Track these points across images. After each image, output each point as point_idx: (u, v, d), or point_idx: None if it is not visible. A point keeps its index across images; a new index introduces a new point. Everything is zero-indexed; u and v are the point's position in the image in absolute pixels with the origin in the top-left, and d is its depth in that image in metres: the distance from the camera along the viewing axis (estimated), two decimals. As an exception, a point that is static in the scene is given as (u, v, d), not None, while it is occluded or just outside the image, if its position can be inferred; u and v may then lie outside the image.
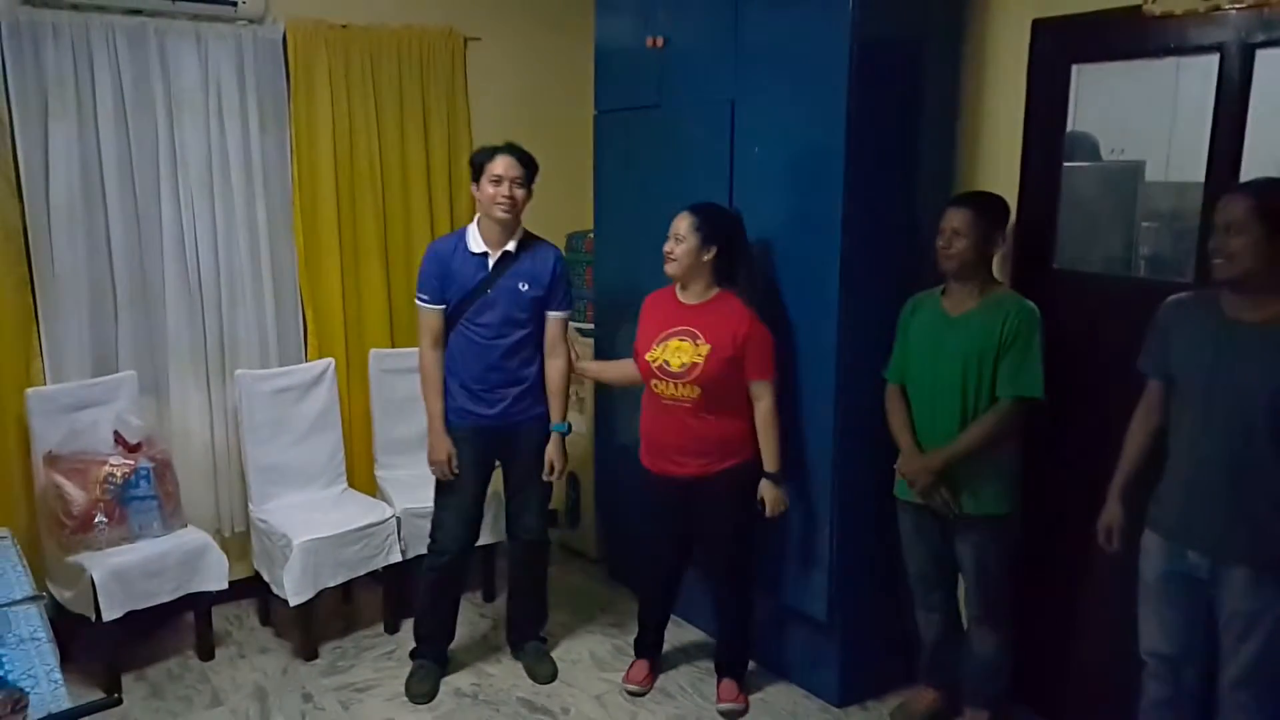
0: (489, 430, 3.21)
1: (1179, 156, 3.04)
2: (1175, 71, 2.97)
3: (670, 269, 3.01)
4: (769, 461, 2.99)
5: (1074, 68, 2.89)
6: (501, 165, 3.08)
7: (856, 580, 3.12)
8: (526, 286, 3.14)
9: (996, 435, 2.72)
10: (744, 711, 3.21)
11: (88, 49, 3.38)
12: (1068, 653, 2.99)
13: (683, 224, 2.98)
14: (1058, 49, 2.90)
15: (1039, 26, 2.91)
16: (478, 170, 3.12)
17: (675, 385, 2.98)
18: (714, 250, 2.97)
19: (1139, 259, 3.21)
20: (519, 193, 3.10)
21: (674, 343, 3.00)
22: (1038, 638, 2.99)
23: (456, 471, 3.19)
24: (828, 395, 3.00)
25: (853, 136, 2.84)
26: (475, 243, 3.16)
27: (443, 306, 3.18)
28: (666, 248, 3.00)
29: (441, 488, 3.27)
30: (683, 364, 2.96)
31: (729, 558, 3.17)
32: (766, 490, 3.00)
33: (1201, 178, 2.64)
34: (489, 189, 3.08)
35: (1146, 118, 3.17)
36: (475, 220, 3.21)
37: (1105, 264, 3.14)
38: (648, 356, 3.04)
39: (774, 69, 3.05)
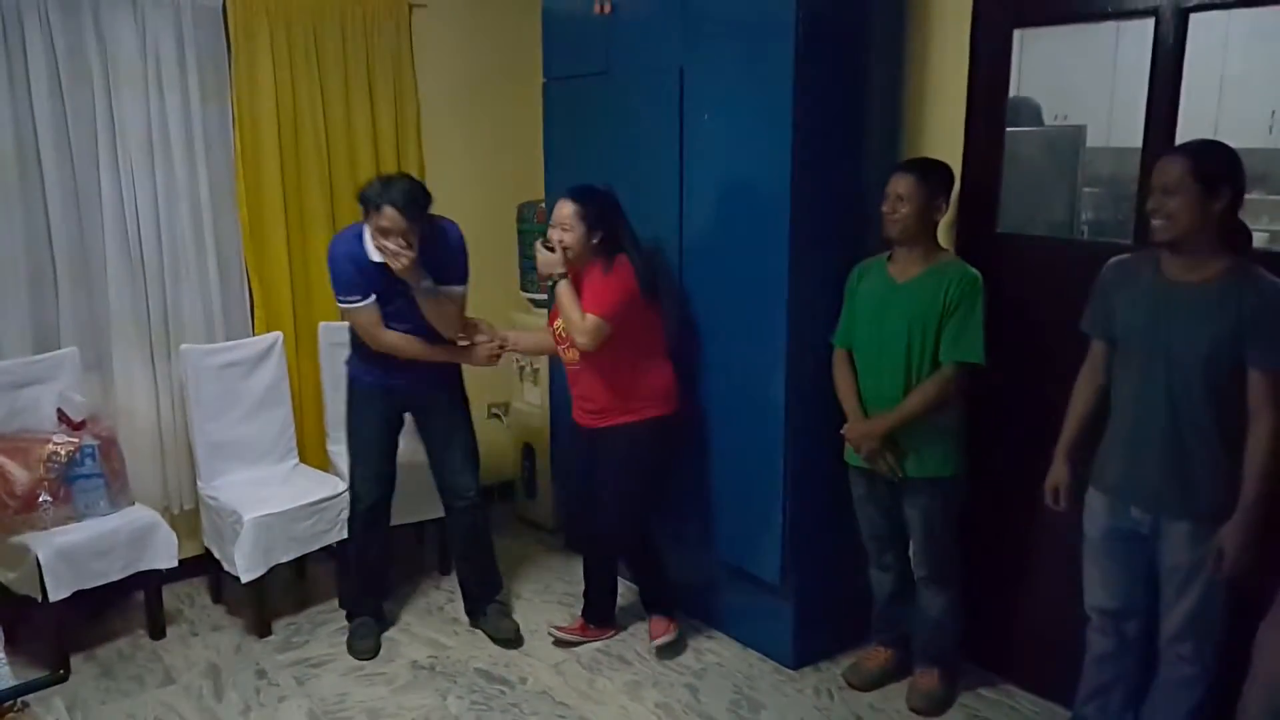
0: (396, 388, 3.27)
1: (1119, 121, 3.09)
2: (1115, 36, 3.01)
3: (560, 267, 3.05)
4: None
5: (1016, 32, 2.91)
6: (388, 219, 2.92)
7: (809, 543, 3.16)
8: (430, 282, 3.08)
9: (938, 400, 2.76)
10: (677, 638, 3.36)
11: (18, 19, 3.29)
12: (1016, 610, 3.07)
13: (565, 210, 3.05)
14: (1000, 13, 2.91)
15: (981, -10, 2.93)
16: (365, 206, 2.97)
17: (566, 350, 3.16)
18: (600, 235, 3.05)
19: (1081, 223, 3.27)
20: (405, 242, 2.95)
21: None
22: (986, 596, 3.06)
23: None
24: (778, 361, 3.02)
25: (800, 103, 2.84)
26: (375, 253, 3.03)
27: (373, 299, 3.10)
28: (554, 237, 3.05)
29: (353, 445, 3.34)
30: (560, 330, 3.15)
31: (607, 519, 3.27)
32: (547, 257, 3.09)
33: (1140, 142, 2.67)
34: (378, 237, 2.97)
35: (1088, 82, 3.21)
36: (368, 229, 3.04)
37: (1048, 228, 3.20)
38: (554, 326, 3.22)
39: (722, 35, 3.05)
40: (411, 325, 3.17)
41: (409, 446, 3.50)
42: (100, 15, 3.43)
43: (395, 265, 2.98)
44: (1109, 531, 2.48)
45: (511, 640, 3.44)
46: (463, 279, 3.22)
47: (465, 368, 3.39)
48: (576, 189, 3.09)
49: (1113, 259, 2.48)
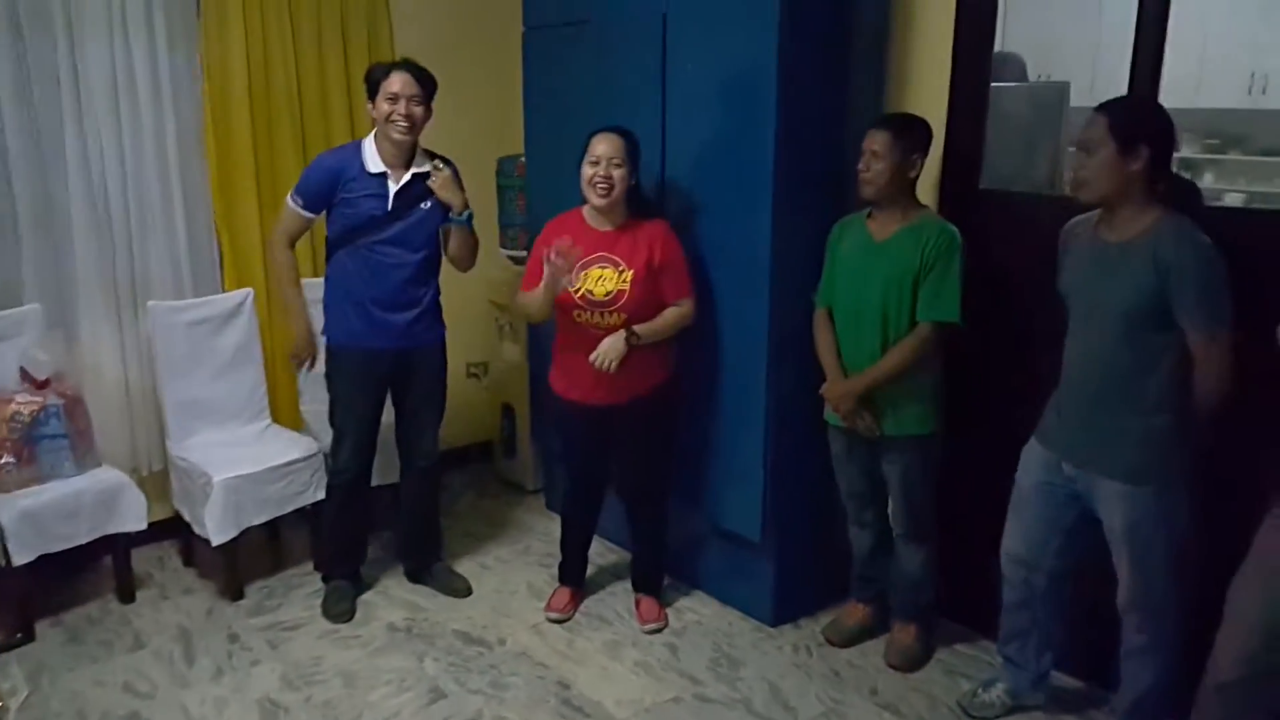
0: (383, 354, 3.19)
1: (1103, 78, 3.07)
2: (1102, -6, 2.98)
3: (605, 201, 2.92)
4: (643, 326, 2.95)
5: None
6: (398, 83, 2.99)
7: (789, 501, 3.15)
8: (429, 205, 3.12)
9: (915, 359, 2.74)
10: (665, 626, 3.29)
11: (-27, -42, 3.16)
12: (992, 567, 3.06)
13: (611, 146, 2.90)
14: (987, -35, 2.87)
15: (969, -58, 2.88)
16: (373, 88, 3.04)
17: (600, 314, 2.94)
18: (636, 175, 2.97)
19: (1064, 180, 3.25)
20: (416, 110, 3.03)
21: (595, 271, 2.95)
22: (963, 553, 3.05)
23: (311, 366, 3.27)
24: (760, 318, 2.98)
25: (785, 54, 2.79)
26: (373, 162, 3.09)
27: (312, 216, 3.16)
28: (600, 174, 2.90)
29: (336, 417, 3.28)
30: (608, 292, 2.92)
31: (647, 479, 3.22)
32: (614, 338, 2.92)
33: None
34: (385, 107, 3.01)
35: (1072, 39, 3.18)
36: (371, 137, 3.12)
37: (1031, 185, 3.17)
38: (575, 290, 2.97)
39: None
40: (396, 253, 3.12)
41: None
42: (64, -44, 3.30)
43: (399, 135, 3.01)
44: (1040, 484, 2.51)
45: (466, 591, 3.49)
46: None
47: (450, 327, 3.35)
48: (617, 126, 2.96)
49: (1071, 220, 2.48)
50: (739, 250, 3.01)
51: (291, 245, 3.23)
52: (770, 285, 2.95)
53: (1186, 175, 2.33)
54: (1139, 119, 2.22)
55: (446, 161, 3.19)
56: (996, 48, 2.95)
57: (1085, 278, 2.36)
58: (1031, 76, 3.31)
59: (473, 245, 3.26)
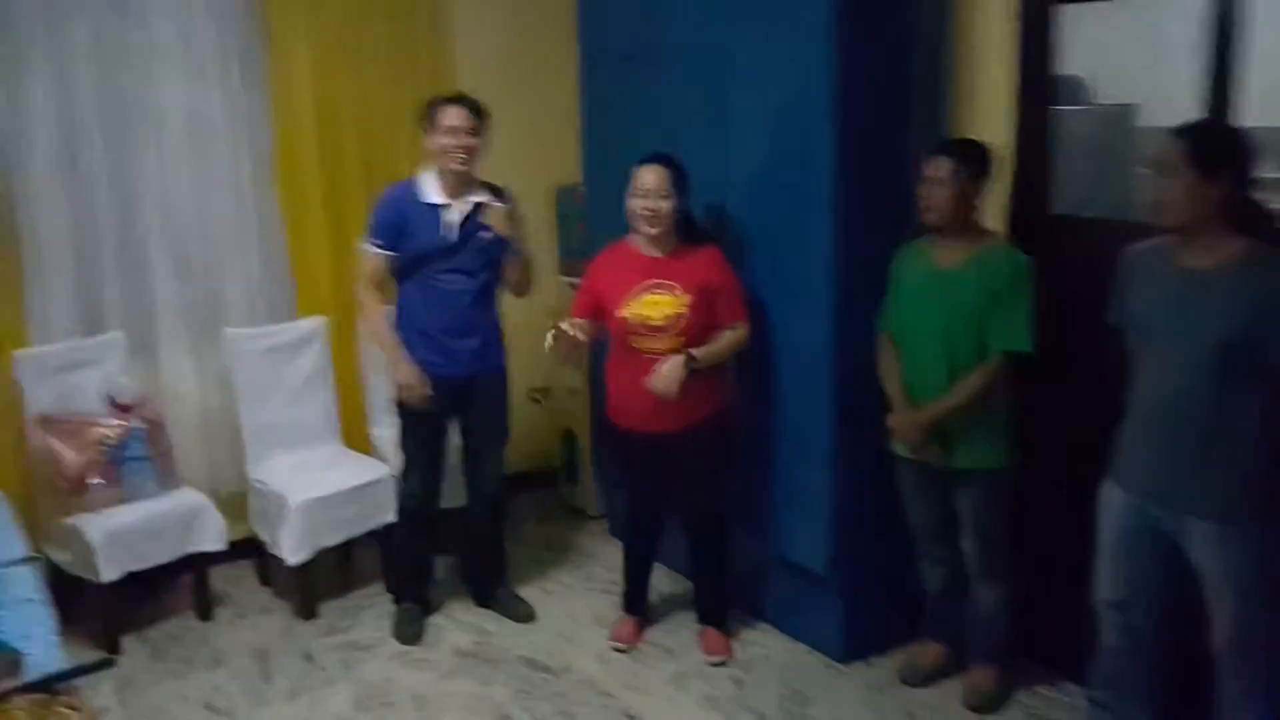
0: (447, 382, 3.25)
1: (1170, 99, 3.00)
2: (1166, 11, 2.92)
3: (654, 232, 2.97)
4: (701, 350, 2.94)
5: (1061, 8, 2.82)
6: (454, 116, 3.09)
7: (858, 533, 3.10)
8: (490, 234, 3.18)
9: (985, 391, 2.68)
10: (730, 659, 3.26)
11: (62, 7, 3.31)
12: (1074, 606, 2.97)
13: (657, 179, 2.94)
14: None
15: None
16: (430, 121, 3.14)
17: (659, 339, 2.96)
18: (683, 207, 3.00)
19: (1135, 203, 3.19)
20: (472, 142, 3.11)
21: (649, 297, 2.97)
22: (1043, 591, 2.96)
23: (431, 394, 3.21)
24: (824, 345, 2.96)
25: (843, 83, 2.79)
26: (432, 193, 3.17)
27: (392, 254, 3.21)
28: (647, 206, 2.94)
29: (406, 444, 3.35)
30: (666, 316, 2.94)
31: (706, 509, 3.22)
32: (673, 363, 2.91)
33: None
34: (442, 140, 3.10)
35: (1134, 59, 3.12)
36: (429, 171, 3.20)
37: (1102, 209, 3.11)
38: (623, 313, 2.99)
39: (765, 13, 2.98)
40: (457, 280, 3.20)
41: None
42: (144, 1, 3.45)
43: (457, 166, 3.09)
44: (1125, 528, 2.39)
45: (531, 617, 3.52)
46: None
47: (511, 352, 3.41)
48: (660, 155, 2.99)
49: (1130, 247, 2.39)
50: (801, 276, 3.00)
51: (378, 289, 3.28)
52: (833, 311, 2.93)
53: (1264, 197, 2.26)
54: (1218, 144, 2.15)
55: (499, 194, 3.24)
56: (1057, 70, 2.90)
57: (1164, 308, 2.25)
58: (1094, 97, 3.26)
59: (529, 274, 3.34)
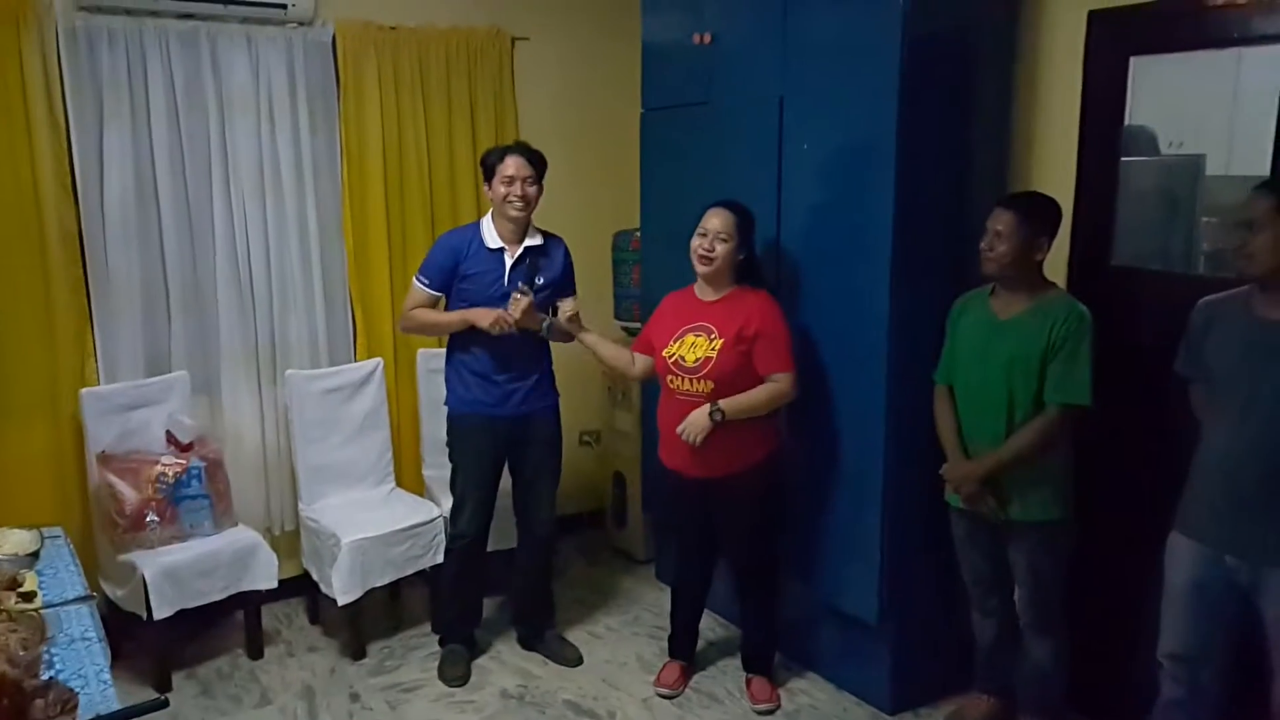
0: (501, 422, 3.28)
1: (1241, 149, 2.95)
2: (1236, 62, 2.88)
3: (706, 270, 2.99)
4: (728, 402, 2.91)
5: (1131, 60, 2.80)
6: (513, 166, 3.17)
7: (908, 583, 3.06)
8: (542, 280, 3.24)
9: (1043, 442, 2.64)
10: (778, 708, 3.21)
11: (141, 53, 3.43)
12: (1127, 661, 2.91)
13: (721, 222, 2.96)
14: (1115, 41, 2.82)
15: (1095, 18, 2.84)
16: (489, 171, 3.22)
17: (690, 380, 2.97)
18: (746, 250, 3.01)
19: (1200, 255, 3.12)
20: (530, 190, 3.19)
21: (689, 338, 3.00)
22: (1096, 645, 2.91)
23: (514, 319, 3.13)
24: (878, 395, 2.94)
25: (904, 132, 2.78)
26: (491, 239, 3.24)
27: (438, 294, 3.29)
28: (704, 246, 2.97)
29: (457, 484, 3.37)
30: (696, 359, 2.95)
31: (751, 558, 3.19)
32: (698, 413, 2.91)
33: (1266, 171, 2.55)
34: (501, 189, 3.17)
35: (1206, 110, 3.07)
36: (489, 217, 3.28)
37: (1165, 261, 3.06)
38: (665, 352, 3.03)
39: (823, 64, 3.01)
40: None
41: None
42: (217, 48, 3.56)
43: (515, 213, 3.16)
44: (1196, 579, 2.36)
45: (578, 661, 3.51)
46: (573, 290, 3.37)
47: (563, 395, 3.42)
48: (728, 201, 3.02)
49: (1203, 299, 2.39)
50: (857, 324, 2.99)
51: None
52: (888, 360, 2.91)
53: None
54: None
55: (542, 253, 3.27)
56: (1126, 121, 2.88)
57: (1243, 359, 2.25)
58: (1163, 148, 3.20)
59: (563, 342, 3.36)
